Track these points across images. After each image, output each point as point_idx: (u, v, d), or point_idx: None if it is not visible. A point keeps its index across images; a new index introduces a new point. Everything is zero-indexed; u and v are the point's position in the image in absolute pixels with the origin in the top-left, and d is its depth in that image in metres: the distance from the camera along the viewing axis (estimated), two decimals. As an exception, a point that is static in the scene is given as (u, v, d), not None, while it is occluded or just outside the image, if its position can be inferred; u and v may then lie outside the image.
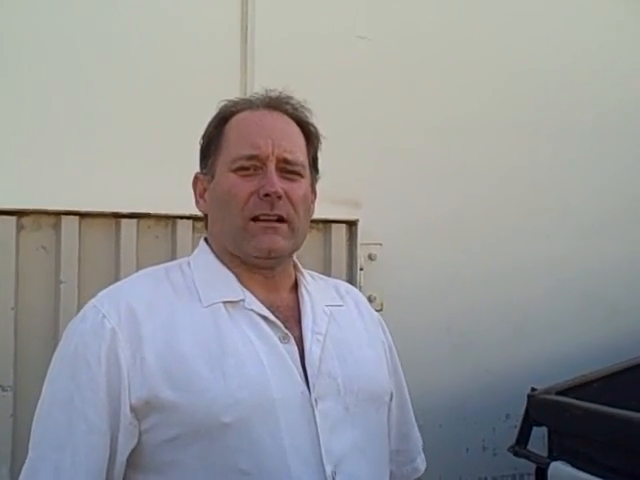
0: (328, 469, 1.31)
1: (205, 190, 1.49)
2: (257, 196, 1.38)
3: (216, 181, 1.44)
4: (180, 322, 1.34)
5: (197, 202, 1.52)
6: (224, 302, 1.38)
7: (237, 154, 1.40)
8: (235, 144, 1.42)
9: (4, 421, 2.66)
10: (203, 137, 1.51)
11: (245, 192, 1.39)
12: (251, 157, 1.39)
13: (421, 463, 1.68)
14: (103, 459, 1.28)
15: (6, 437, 2.65)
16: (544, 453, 3.14)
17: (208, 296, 1.39)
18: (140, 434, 1.30)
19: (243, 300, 1.39)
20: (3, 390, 2.66)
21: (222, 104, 1.50)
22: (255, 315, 1.38)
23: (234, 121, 1.46)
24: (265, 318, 1.38)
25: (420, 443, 1.69)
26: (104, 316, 1.32)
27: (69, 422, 1.27)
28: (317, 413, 1.33)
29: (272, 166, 1.39)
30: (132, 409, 1.28)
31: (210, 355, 1.31)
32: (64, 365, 1.33)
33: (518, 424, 3.28)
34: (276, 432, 1.28)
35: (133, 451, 1.31)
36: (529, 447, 3.19)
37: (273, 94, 1.48)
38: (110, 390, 1.28)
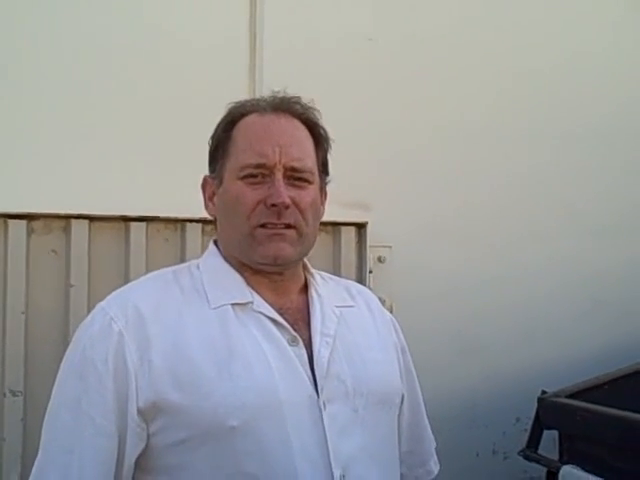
0: (336, 472, 1.30)
1: (214, 193, 1.48)
2: (264, 205, 1.37)
3: (224, 187, 1.44)
4: (188, 324, 1.34)
5: (206, 205, 1.51)
6: (232, 304, 1.38)
7: (244, 162, 1.40)
8: (243, 151, 1.41)
9: (15, 425, 2.66)
10: (211, 140, 1.50)
11: (252, 201, 1.38)
12: (258, 165, 1.38)
13: (434, 466, 1.67)
14: (111, 461, 1.28)
15: (16, 442, 2.65)
16: (555, 456, 3.13)
17: (216, 298, 1.38)
18: (148, 437, 1.30)
19: (251, 302, 1.38)
20: (14, 395, 2.66)
21: (230, 106, 1.50)
22: (263, 317, 1.37)
23: (242, 125, 1.45)
24: (274, 320, 1.37)
25: (433, 445, 1.67)
26: (112, 319, 1.32)
27: (77, 425, 1.28)
28: (325, 416, 1.32)
29: (280, 175, 1.38)
30: (139, 411, 1.28)
31: (217, 357, 1.30)
32: (72, 368, 1.33)
33: (528, 427, 3.27)
34: (284, 435, 1.28)
35: (141, 454, 1.31)
36: (540, 450, 3.17)
37: (281, 95, 1.48)
38: (117, 392, 1.28)
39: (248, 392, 1.28)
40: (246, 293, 1.40)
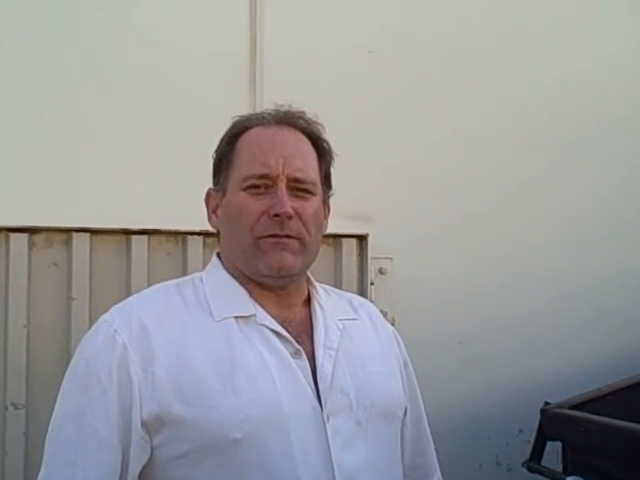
0: None
1: (217, 206, 1.48)
2: (267, 216, 1.37)
3: (227, 199, 1.44)
4: (191, 337, 1.34)
5: (210, 218, 1.52)
6: (236, 317, 1.38)
7: (248, 173, 1.40)
8: (246, 162, 1.42)
9: (17, 439, 2.65)
10: (215, 153, 1.51)
11: (255, 211, 1.38)
12: (262, 176, 1.39)
13: None
14: (114, 474, 1.28)
15: (18, 455, 2.64)
16: (558, 468, 3.11)
17: (220, 311, 1.38)
18: (152, 449, 1.30)
19: (254, 315, 1.38)
20: (15, 408, 2.65)
21: (234, 120, 1.50)
22: (267, 330, 1.37)
23: (245, 138, 1.45)
24: (277, 333, 1.37)
25: (436, 460, 1.67)
26: (115, 331, 1.32)
27: (81, 437, 1.28)
28: (329, 428, 1.32)
29: (283, 185, 1.39)
30: (143, 424, 1.28)
31: (221, 370, 1.30)
32: (76, 380, 1.33)
33: (532, 439, 3.25)
34: (287, 448, 1.28)
35: (145, 466, 1.31)
36: (543, 462, 3.16)
37: (285, 109, 1.48)
38: (121, 405, 1.28)
39: (252, 405, 1.28)
40: (249, 306, 1.40)
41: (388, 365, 1.53)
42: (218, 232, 1.51)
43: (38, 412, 2.62)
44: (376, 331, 1.58)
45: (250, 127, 1.46)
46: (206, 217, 1.53)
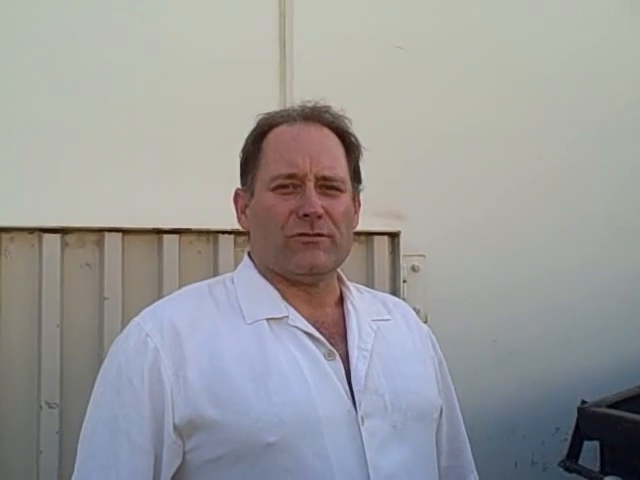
0: None
1: (246, 206, 1.48)
2: (296, 215, 1.37)
3: (255, 199, 1.43)
4: (223, 340, 1.33)
5: (239, 218, 1.51)
6: (267, 319, 1.36)
7: (275, 173, 1.39)
8: (273, 162, 1.40)
9: (50, 438, 2.67)
10: (242, 152, 1.50)
11: (284, 211, 1.38)
12: (289, 176, 1.38)
13: None
14: (147, 479, 1.27)
15: (53, 454, 2.66)
16: (596, 468, 3.06)
17: (251, 313, 1.37)
18: (184, 454, 1.29)
19: (287, 317, 1.37)
20: (50, 407, 2.68)
21: (259, 118, 1.49)
22: (299, 332, 1.36)
23: (271, 137, 1.44)
24: (310, 335, 1.36)
25: (472, 460, 1.65)
26: (147, 334, 1.32)
27: (113, 441, 1.27)
28: (364, 431, 1.30)
29: (311, 184, 1.37)
30: (176, 428, 1.27)
31: (254, 373, 1.29)
32: (108, 384, 1.32)
33: (568, 437, 3.20)
34: (322, 451, 1.26)
35: (177, 471, 1.30)
36: (580, 461, 3.11)
37: (311, 105, 1.46)
38: (154, 409, 1.27)
39: (285, 408, 1.27)
40: (281, 307, 1.39)
41: (423, 366, 1.51)
42: (248, 232, 1.50)
43: (71, 411, 2.63)
44: (410, 331, 1.56)
45: (275, 125, 1.45)
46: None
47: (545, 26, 3.74)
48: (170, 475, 1.30)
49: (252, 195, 1.45)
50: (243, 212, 1.50)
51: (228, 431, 1.25)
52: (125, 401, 1.28)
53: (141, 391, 1.28)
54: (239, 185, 1.53)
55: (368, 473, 1.28)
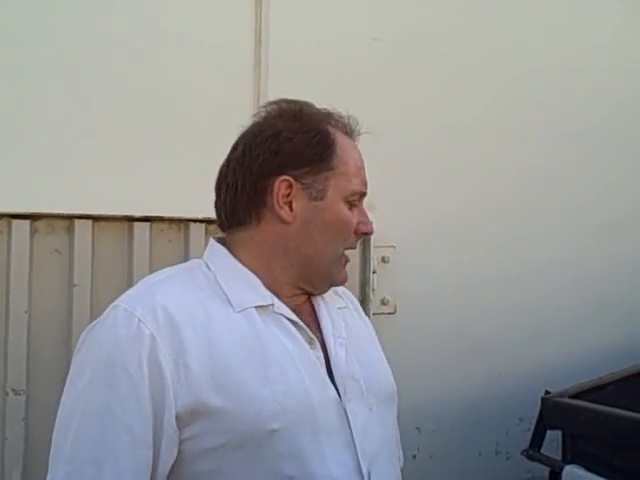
0: (364, 470, 1.32)
1: (289, 197, 1.41)
2: (355, 232, 1.45)
3: (327, 204, 1.42)
4: (218, 327, 1.31)
5: (280, 207, 1.40)
6: (255, 307, 1.37)
7: (357, 189, 1.45)
8: (354, 176, 1.45)
9: (16, 424, 2.65)
10: (297, 138, 1.41)
11: (354, 226, 1.45)
12: (363, 194, 1.47)
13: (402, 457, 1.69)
14: (146, 472, 1.25)
15: (18, 440, 2.64)
16: (558, 457, 3.12)
17: (239, 301, 1.36)
18: (180, 443, 1.27)
19: (272, 304, 1.38)
20: (16, 394, 2.65)
21: (305, 107, 1.47)
22: (284, 319, 1.37)
23: (342, 144, 1.45)
24: (294, 322, 1.38)
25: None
26: (140, 321, 1.27)
27: (107, 434, 1.22)
28: (350, 415, 1.34)
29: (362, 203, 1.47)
30: (177, 417, 1.24)
31: (253, 361, 1.30)
32: (96, 374, 1.26)
33: (531, 427, 3.25)
34: (315, 437, 1.30)
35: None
36: (543, 450, 3.16)
37: (348, 116, 1.52)
38: (154, 399, 1.24)
39: (286, 396, 1.28)
40: (266, 295, 1.39)
41: (379, 351, 1.59)
42: (284, 222, 1.41)
43: (38, 398, 2.62)
44: (361, 318, 1.63)
45: (337, 129, 1.47)
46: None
47: (533, 19, 3.78)
48: (169, 466, 1.27)
49: (320, 198, 1.41)
50: (288, 204, 1.40)
51: (232, 419, 1.24)
52: (121, 392, 1.23)
53: (140, 381, 1.23)
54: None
55: (357, 455, 1.32)
